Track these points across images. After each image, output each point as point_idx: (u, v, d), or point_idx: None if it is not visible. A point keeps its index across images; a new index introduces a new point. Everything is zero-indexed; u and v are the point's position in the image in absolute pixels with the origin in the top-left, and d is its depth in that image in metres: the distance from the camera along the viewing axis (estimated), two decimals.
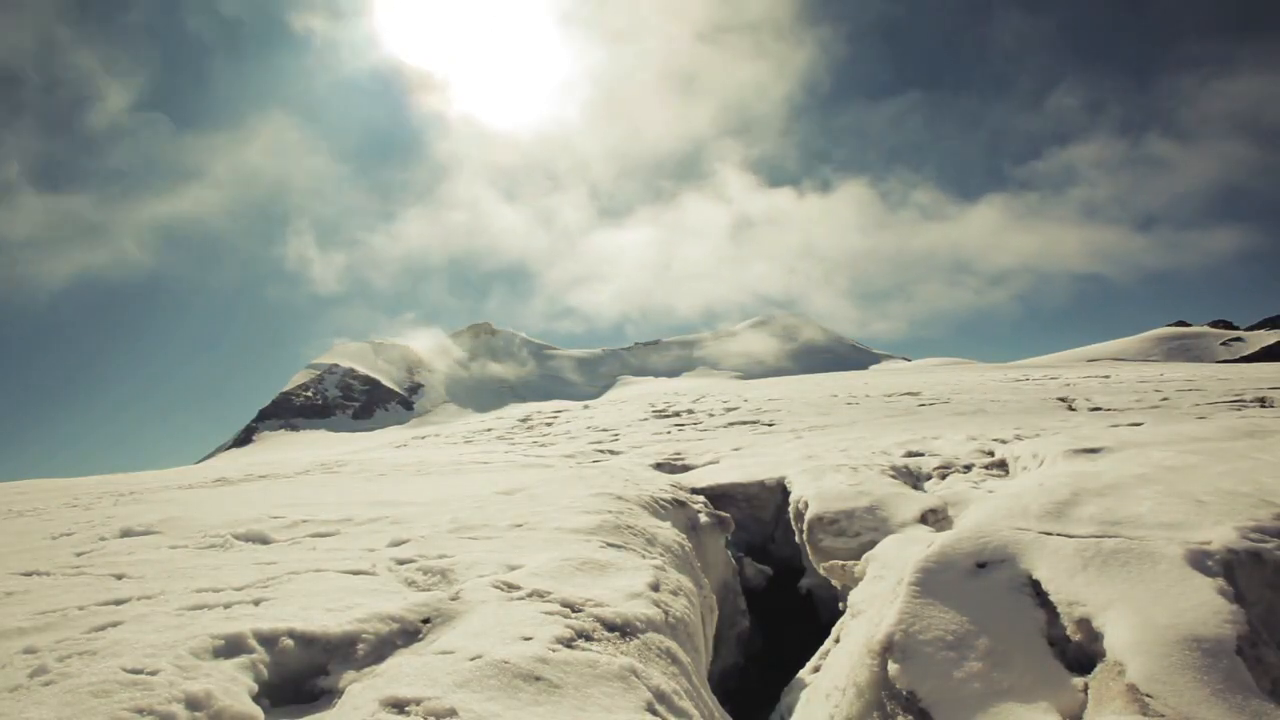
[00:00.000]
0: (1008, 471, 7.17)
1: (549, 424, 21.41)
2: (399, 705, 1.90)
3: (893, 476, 7.10)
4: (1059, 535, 3.60)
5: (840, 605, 5.13)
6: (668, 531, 4.84)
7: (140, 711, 1.73)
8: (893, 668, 3.06)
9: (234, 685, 1.97)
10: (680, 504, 6.27)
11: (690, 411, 20.22)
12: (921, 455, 8.36)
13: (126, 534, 4.24)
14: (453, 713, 1.85)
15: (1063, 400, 15.35)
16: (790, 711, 4.04)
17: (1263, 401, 11.41)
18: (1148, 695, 2.49)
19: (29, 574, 3.18)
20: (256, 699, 2.00)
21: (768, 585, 7.11)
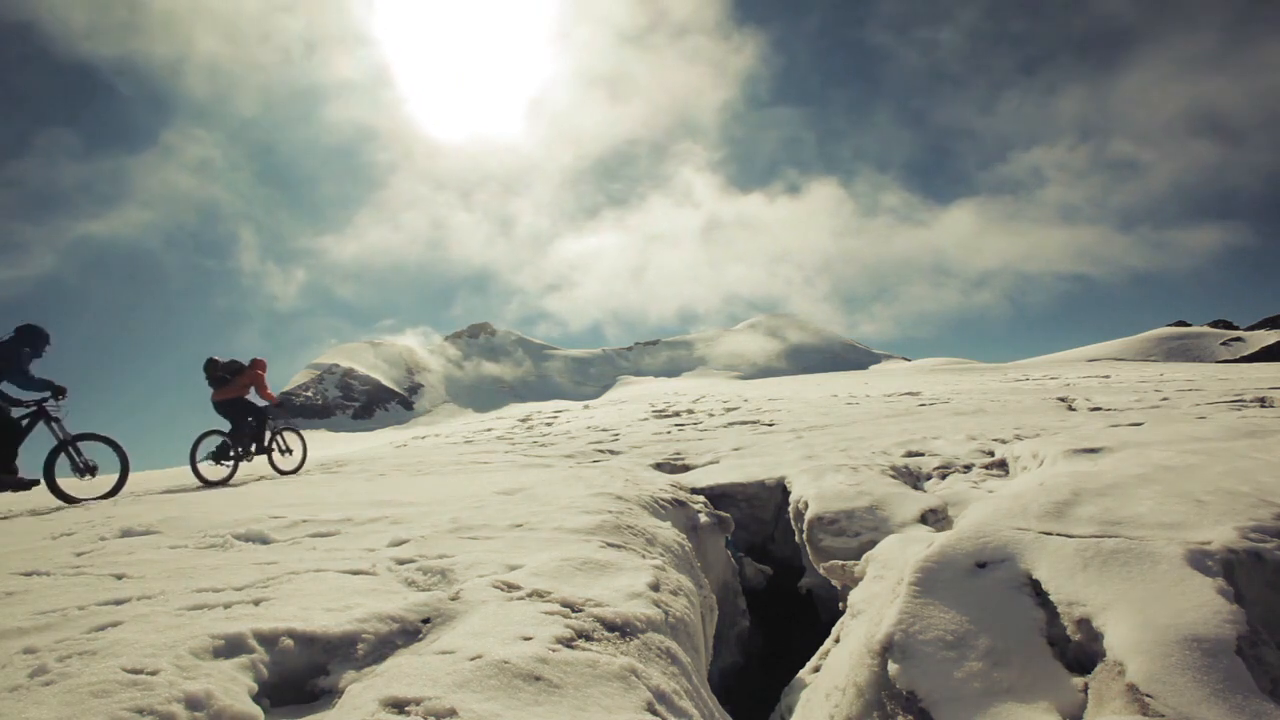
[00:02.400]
0: (1008, 471, 7.17)
1: (549, 424, 21.41)
2: (399, 705, 1.90)
3: (893, 476, 7.10)
4: (1059, 535, 3.60)
5: (840, 605, 5.13)
6: (668, 531, 4.84)
7: (140, 711, 1.73)
8: (893, 667, 3.06)
9: (234, 685, 1.97)
10: (680, 504, 6.27)
11: (690, 411, 20.21)
12: (921, 455, 8.36)
13: (126, 534, 4.24)
14: (453, 713, 1.85)
15: (1063, 400, 15.34)
16: (790, 711, 4.04)
17: (1263, 401, 11.40)
18: (1148, 695, 2.49)
19: (29, 574, 3.18)
20: (256, 699, 2.00)
21: (768, 585, 7.11)
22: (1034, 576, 3.36)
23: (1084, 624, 2.98)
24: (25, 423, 6.34)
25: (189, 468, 7.94)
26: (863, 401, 19.05)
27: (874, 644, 3.23)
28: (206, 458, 7.81)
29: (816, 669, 4.37)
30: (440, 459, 11.18)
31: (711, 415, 18.47)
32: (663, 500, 6.02)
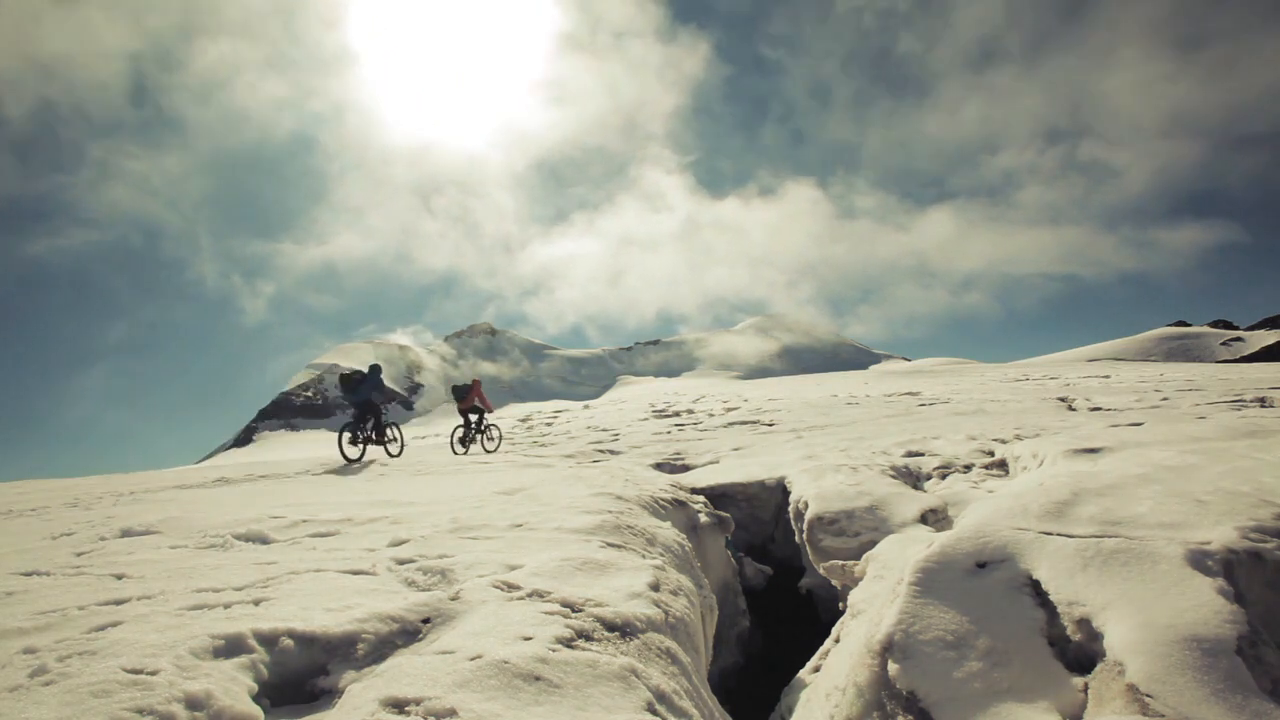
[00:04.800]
0: (1008, 471, 7.17)
1: (549, 424, 21.42)
2: (399, 705, 1.90)
3: (893, 476, 7.10)
4: (1059, 535, 3.60)
5: (840, 605, 5.13)
6: (668, 531, 4.84)
7: (140, 711, 1.73)
8: (893, 668, 3.06)
9: (234, 685, 1.97)
10: (680, 504, 6.27)
11: (690, 411, 20.22)
12: (921, 455, 8.36)
13: (126, 534, 4.24)
14: (453, 713, 1.85)
15: (1063, 400, 15.35)
16: (790, 711, 4.04)
17: (1263, 401, 11.41)
18: (1148, 695, 2.49)
19: (29, 574, 3.18)
20: (256, 699, 2.00)
21: (768, 585, 7.11)
22: (1034, 576, 3.36)
23: (1084, 624, 2.98)
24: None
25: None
26: (863, 401, 19.06)
27: (874, 644, 3.23)
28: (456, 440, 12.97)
29: (816, 669, 4.37)
30: (440, 459, 11.18)
31: (711, 415, 18.48)
32: (663, 500, 6.02)
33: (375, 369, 11.14)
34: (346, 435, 10.68)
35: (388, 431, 11.32)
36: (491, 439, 13.30)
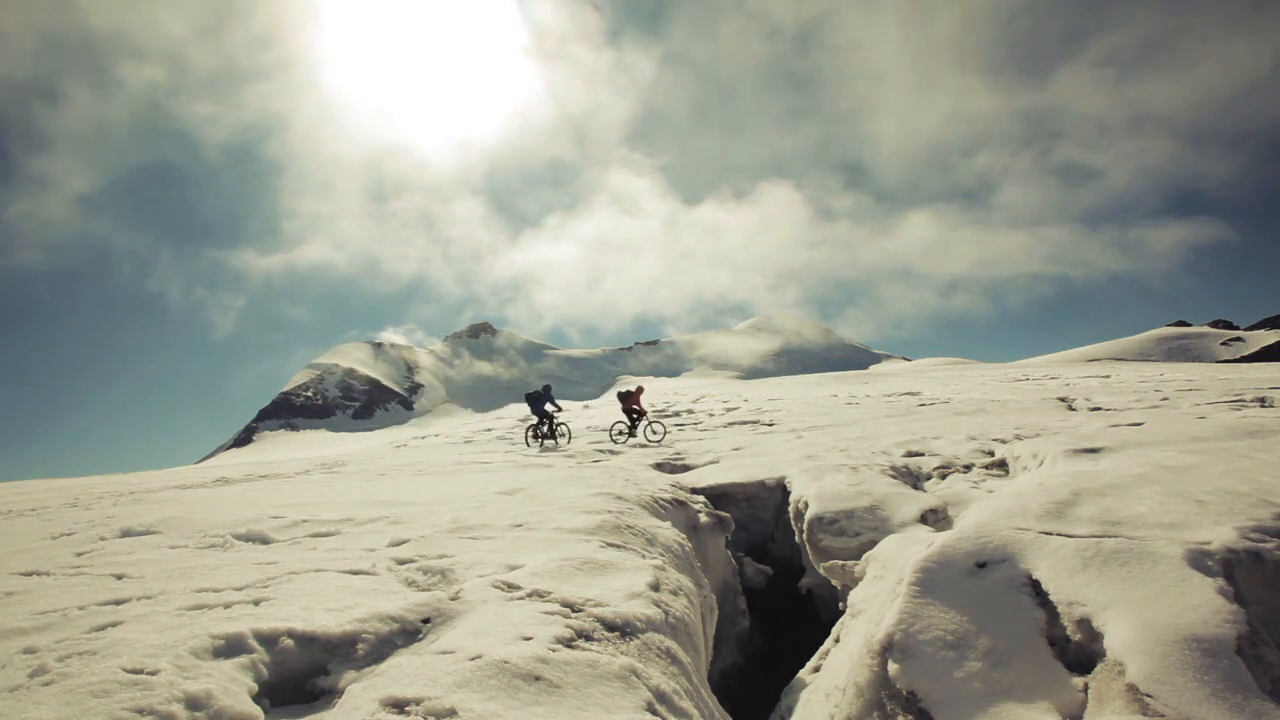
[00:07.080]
0: (1008, 471, 7.17)
1: None
2: (399, 705, 1.90)
3: (893, 476, 7.10)
4: (1059, 535, 3.60)
5: (840, 605, 5.13)
6: (668, 531, 4.84)
7: (140, 711, 1.74)
8: (893, 667, 3.06)
9: (234, 685, 1.97)
10: (680, 504, 6.27)
11: (690, 411, 20.23)
12: (921, 455, 8.35)
13: (126, 534, 4.24)
14: (453, 713, 1.85)
15: (1063, 400, 15.35)
16: (790, 711, 4.04)
17: (1263, 401, 11.41)
18: (1148, 695, 2.49)
19: (29, 574, 3.18)
20: (256, 699, 2.00)
21: (768, 585, 7.11)
22: (1034, 576, 3.36)
23: (1084, 624, 2.98)
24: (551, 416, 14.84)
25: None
26: (863, 401, 19.07)
27: (874, 644, 3.23)
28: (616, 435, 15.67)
29: (816, 669, 4.37)
30: (440, 459, 11.19)
31: (711, 415, 18.49)
32: (663, 500, 6.02)
33: (547, 388, 15.43)
34: (530, 432, 14.93)
35: (558, 429, 15.53)
36: (655, 432, 15.56)
